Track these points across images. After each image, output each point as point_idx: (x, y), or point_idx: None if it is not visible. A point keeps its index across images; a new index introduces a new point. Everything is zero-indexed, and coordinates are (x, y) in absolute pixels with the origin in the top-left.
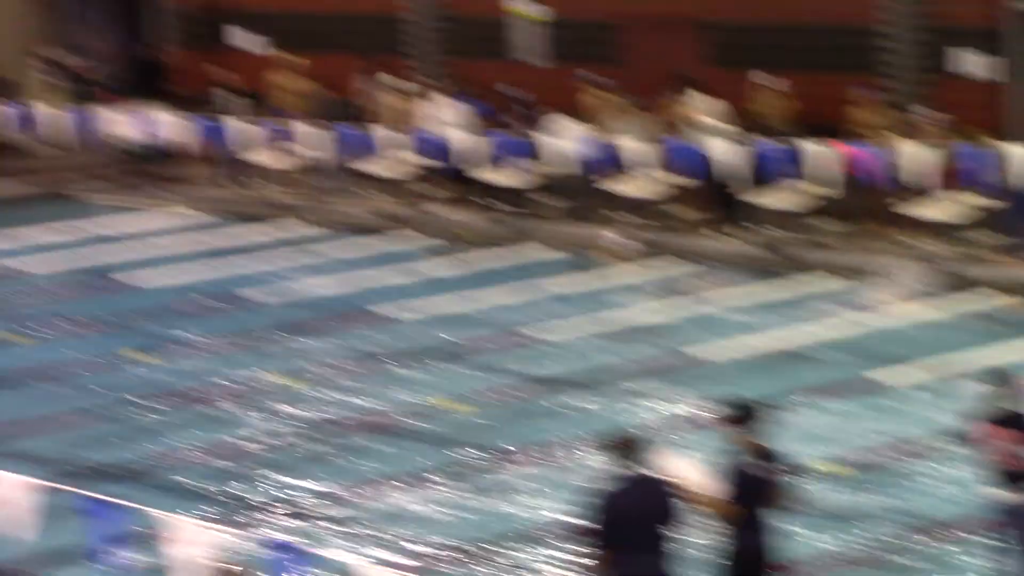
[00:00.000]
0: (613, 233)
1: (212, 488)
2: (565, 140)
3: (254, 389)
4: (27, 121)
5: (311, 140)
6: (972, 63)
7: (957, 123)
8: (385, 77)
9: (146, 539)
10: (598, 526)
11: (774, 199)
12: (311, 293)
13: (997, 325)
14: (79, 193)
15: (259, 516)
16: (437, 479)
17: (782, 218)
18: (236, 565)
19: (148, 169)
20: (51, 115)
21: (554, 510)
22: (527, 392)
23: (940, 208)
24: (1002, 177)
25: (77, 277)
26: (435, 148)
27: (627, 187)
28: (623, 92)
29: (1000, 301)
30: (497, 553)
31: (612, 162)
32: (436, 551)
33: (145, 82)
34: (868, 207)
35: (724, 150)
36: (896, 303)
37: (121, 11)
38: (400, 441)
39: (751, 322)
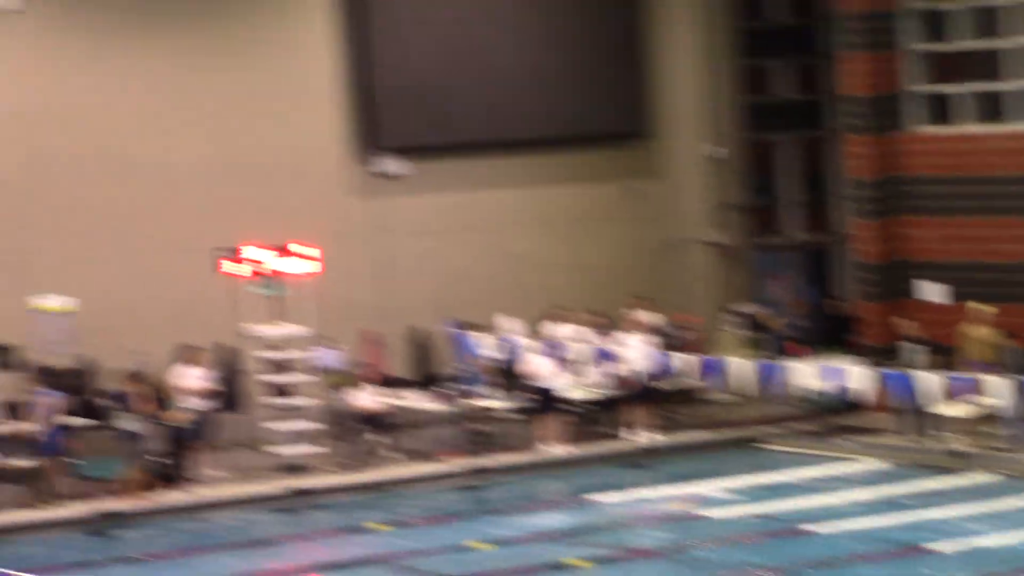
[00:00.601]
0: None
1: None
2: None
3: None
4: (715, 372)
5: (995, 390)
6: None
7: None
8: None
9: None
10: None
11: None
12: (995, 545)
13: None
14: (762, 441)
15: None
16: None
17: None
18: None
19: (831, 419)
20: (738, 365)
21: None
22: None
23: None
24: None
25: (757, 524)
26: None
27: None
28: None
29: None
30: None
31: None
32: None
33: (832, 334)
34: None
35: None
36: None
37: (810, 266)
38: None
39: None
